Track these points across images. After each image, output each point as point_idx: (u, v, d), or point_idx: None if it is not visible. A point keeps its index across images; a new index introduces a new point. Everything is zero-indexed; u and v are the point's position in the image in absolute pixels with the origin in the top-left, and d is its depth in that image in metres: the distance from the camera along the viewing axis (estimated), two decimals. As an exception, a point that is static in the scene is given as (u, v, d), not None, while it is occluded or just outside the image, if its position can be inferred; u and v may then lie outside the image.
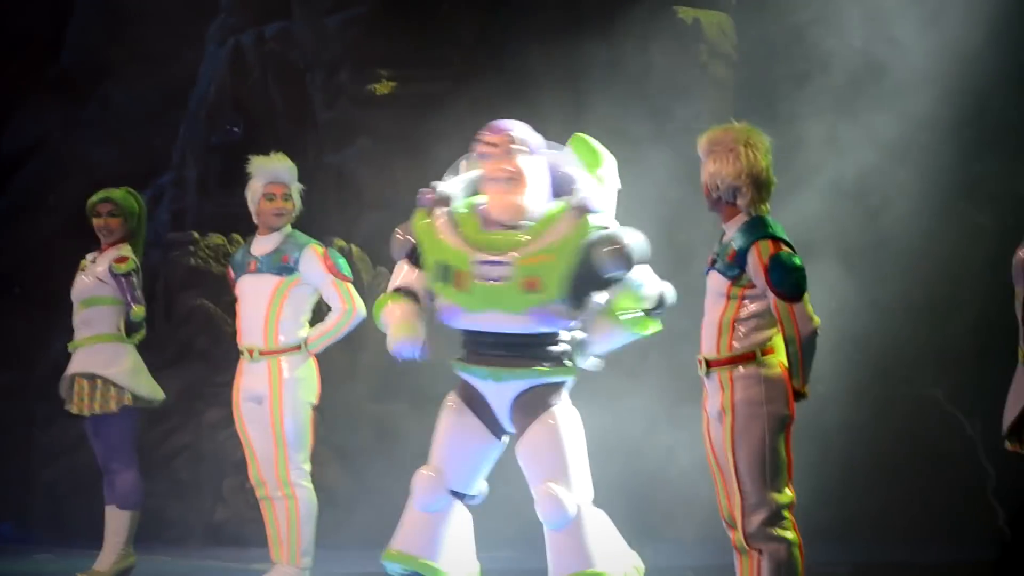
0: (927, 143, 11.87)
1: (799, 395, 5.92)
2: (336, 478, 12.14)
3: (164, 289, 13.14)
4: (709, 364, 5.98)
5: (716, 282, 6.03)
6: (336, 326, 8.52)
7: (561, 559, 6.21)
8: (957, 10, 11.67)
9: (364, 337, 11.90)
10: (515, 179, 6.35)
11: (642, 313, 6.36)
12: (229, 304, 12.81)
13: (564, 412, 6.34)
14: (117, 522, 9.21)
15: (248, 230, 8.85)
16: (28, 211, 14.85)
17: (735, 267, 5.93)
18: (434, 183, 6.56)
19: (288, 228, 8.66)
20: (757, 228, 5.96)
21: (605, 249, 6.24)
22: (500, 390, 6.38)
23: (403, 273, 6.64)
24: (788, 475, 5.90)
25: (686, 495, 11.24)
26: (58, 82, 15.42)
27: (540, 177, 6.40)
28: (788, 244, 5.94)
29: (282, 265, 8.52)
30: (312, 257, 8.52)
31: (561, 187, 6.43)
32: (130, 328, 9.25)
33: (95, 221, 9.41)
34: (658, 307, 6.41)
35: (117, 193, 9.43)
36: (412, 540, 6.39)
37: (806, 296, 5.88)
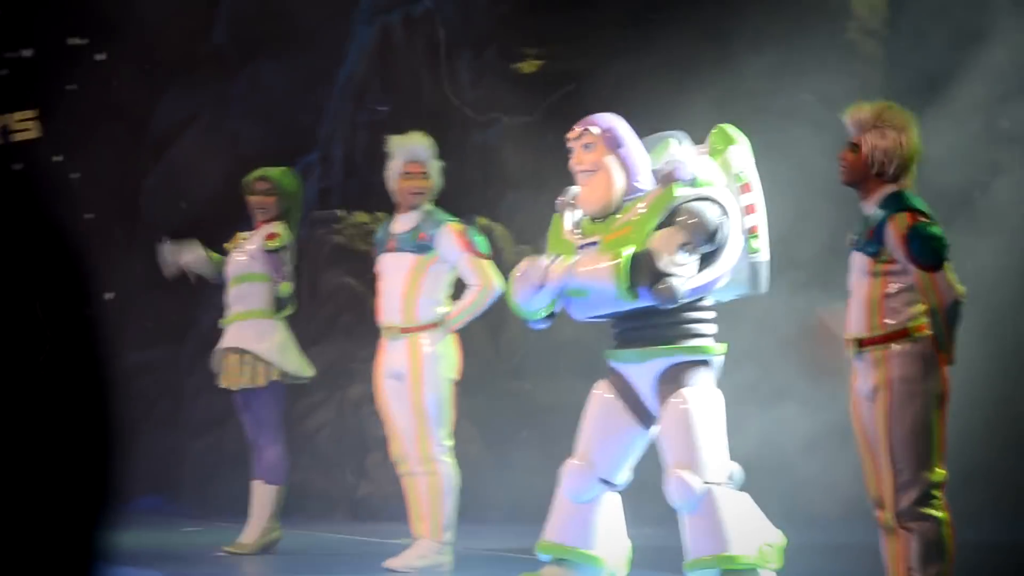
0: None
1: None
2: (477, 454, 12.18)
3: (309, 267, 13.26)
4: (861, 343, 5.91)
5: (859, 260, 5.95)
6: (473, 303, 8.50)
7: (694, 542, 6.18)
8: None
9: (504, 314, 11.94)
10: (590, 172, 6.39)
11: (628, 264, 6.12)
12: (373, 282, 12.92)
13: (698, 392, 6.26)
14: (263, 496, 9.32)
15: (393, 208, 8.88)
16: (180, 186, 15.08)
17: (874, 243, 5.87)
18: (569, 187, 6.58)
19: (428, 206, 8.65)
20: (894, 202, 5.87)
21: (680, 219, 6.14)
22: (642, 372, 6.34)
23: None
24: (941, 453, 5.83)
25: (829, 473, 11.13)
26: (210, 59, 15.63)
27: (623, 169, 6.37)
28: (925, 215, 5.87)
29: (420, 243, 8.51)
30: (449, 234, 8.50)
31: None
32: (278, 304, 9.35)
33: (251, 199, 9.50)
34: (650, 278, 6.09)
35: (274, 172, 9.52)
36: (565, 530, 6.39)
37: (947, 265, 5.80)
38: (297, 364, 9.42)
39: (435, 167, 8.67)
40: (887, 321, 5.83)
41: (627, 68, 12.85)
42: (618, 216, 6.33)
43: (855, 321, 5.94)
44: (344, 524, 12.10)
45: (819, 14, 12.62)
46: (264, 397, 9.31)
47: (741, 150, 6.41)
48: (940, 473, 5.80)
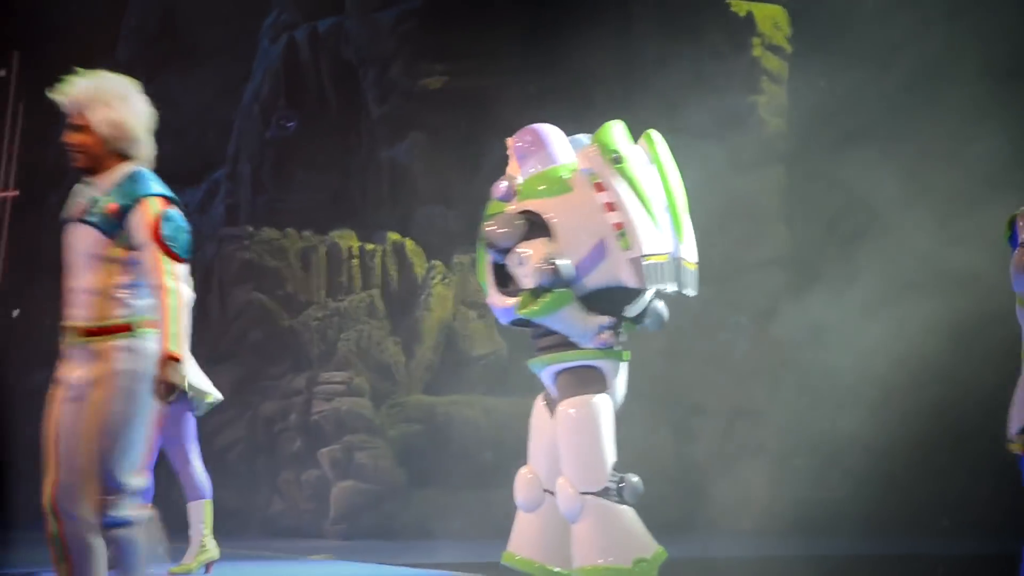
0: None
1: (174, 360, 5.21)
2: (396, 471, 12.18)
3: (218, 283, 13.21)
4: (87, 332, 5.30)
5: (88, 241, 5.35)
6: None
7: (576, 551, 6.25)
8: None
9: (419, 335, 11.92)
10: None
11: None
12: (283, 297, 12.88)
13: (583, 401, 6.30)
14: (193, 515, 9.18)
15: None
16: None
17: (115, 224, 5.32)
18: (510, 174, 6.56)
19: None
20: (142, 184, 5.37)
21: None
22: (544, 378, 6.41)
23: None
24: (148, 456, 5.38)
25: (742, 487, 11.20)
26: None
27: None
28: (176, 203, 5.38)
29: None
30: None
31: None
32: None
33: None
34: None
35: None
36: (525, 544, 6.41)
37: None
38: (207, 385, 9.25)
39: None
40: (116, 312, 5.33)
41: (533, 85, 12.92)
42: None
43: (79, 307, 5.36)
44: (258, 540, 12.04)
45: (724, 30, 12.74)
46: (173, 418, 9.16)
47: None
48: (143, 478, 5.35)
